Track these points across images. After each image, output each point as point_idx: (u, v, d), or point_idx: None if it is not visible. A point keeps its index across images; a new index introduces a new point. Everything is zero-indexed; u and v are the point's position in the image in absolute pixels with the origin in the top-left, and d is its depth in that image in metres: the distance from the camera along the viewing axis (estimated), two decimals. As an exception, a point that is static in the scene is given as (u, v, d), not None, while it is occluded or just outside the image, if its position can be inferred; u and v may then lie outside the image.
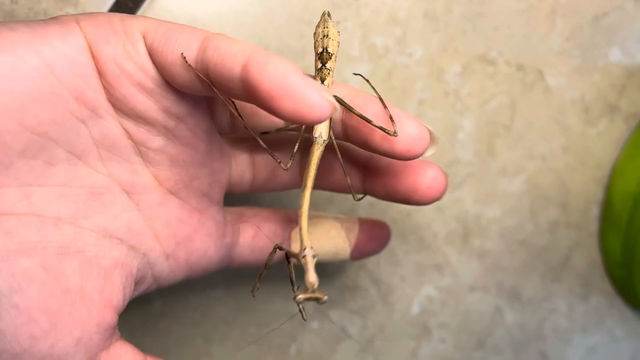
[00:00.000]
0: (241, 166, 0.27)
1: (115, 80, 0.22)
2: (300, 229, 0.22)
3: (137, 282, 0.24)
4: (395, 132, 0.23)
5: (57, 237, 0.22)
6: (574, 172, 0.34)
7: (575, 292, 0.35)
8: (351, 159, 0.27)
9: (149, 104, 0.22)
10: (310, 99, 0.19)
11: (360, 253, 0.28)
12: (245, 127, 0.23)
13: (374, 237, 0.28)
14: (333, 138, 0.24)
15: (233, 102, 0.23)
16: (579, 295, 0.35)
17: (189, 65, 0.21)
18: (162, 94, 0.22)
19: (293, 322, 0.33)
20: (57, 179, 0.22)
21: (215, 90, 0.21)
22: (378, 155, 0.26)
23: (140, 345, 0.33)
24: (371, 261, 0.33)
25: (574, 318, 0.35)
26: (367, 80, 0.25)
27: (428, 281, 0.34)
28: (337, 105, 0.20)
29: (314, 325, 0.33)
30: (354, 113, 0.23)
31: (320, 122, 0.19)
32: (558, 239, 0.34)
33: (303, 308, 0.21)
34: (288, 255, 0.23)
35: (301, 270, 0.21)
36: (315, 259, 0.21)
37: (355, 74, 0.24)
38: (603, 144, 0.34)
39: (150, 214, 0.24)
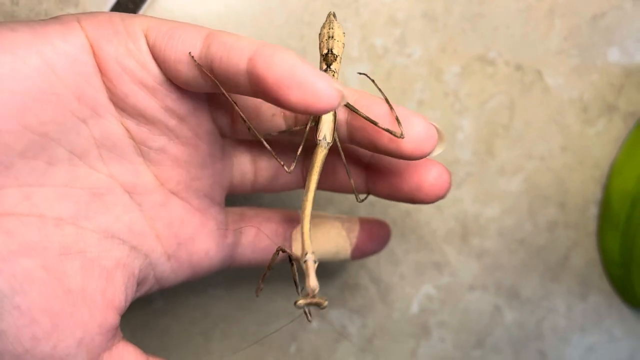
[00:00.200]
0: (243, 167, 0.27)
1: (116, 79, 0.22)
2: (303, 234, 0.22)
3: (139, 283, 0.24)
4: (402, 134, 0.23)
5: (59, 238, 0.22)
6: (572, 172, 0.34)
7: (574, 292, 0.35)
8: (354, 160, 0.27)
9: (151, 102, 0.22)
10: (318, 88, 0.19)
11: (360, 252, 0.28)
12: (249, 129, 0.23)
13: (374, 237, 0.28)
14: (337, 139, 0.24)
15: (236, 104, 0.23)
16: (577, 295, 0.35)
17: (197, 62, 0.21)
18: (164, 93, 0.22)
19: (293, 321, 0.33)
20: (58, 179, 0.22)
21: (222, 89, 0.21)
22: (381, 155, 0.26)
23: (141, 343, 0.33)
24: (371, 260, 0.34)
25: (573, 317, 0.35)
26: (373, 81, 0.25)
27: (427, 280, 0.34)
28: (346, 92, 0.20)
29: (314, 324, 0.34)
30: (360, 115, 0.23)
31: (329, 111, 0.19)
32: (557, 239, 0.34)
33: (308, 311, 0.21)
34: (291, 258, 0.23)
35: (304, 271, 0.21)
36: (316, 264, 0.21)
37: (360, 74, 0.25)
38: (601, 143, 0.34)
39: (152, 215, 0.24)
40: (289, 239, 0.28)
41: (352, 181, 0.25)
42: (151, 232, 0.24)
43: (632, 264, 0.33)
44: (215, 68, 0.21)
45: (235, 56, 0.20)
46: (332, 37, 0.24)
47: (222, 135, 0.25)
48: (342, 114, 0.24)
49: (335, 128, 0.24)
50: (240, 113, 0.22)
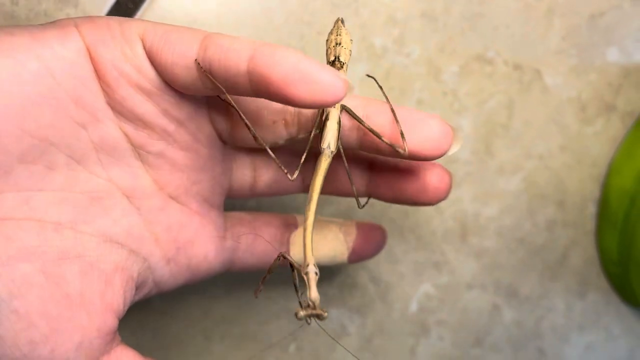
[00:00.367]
0: (242, 171, 0.27)
1: (114, 83, 0.22)
2: (305, 245, 0.22)
3: (138, 287, 0.24)
4: (405, 150, 0.23)
5: (57, 242, 0.22)
6: (571, 171, 0.34)
7: (573, 290, 0.35)
8: (355, 164, 0.27)
9: (148, 106, 0.22)
10: (324, 81, 0.19)
11: (357, 256, 0.28)
12: (255, 139, 0.22)
13: (370, 241, 0.29)
14: (340, 146, 0.24)
15: (238, 111, 0.23)
16: (576, 293, 0.35)
17: (199, 65, 0.21)
18: (162, 97, 0.22)
19: (292, 320, 0.34)
20: (57, 183, 0.22)
21: (226, 94, 0.21)
22: (383, 158, 0.26)
23: (140, 343, 0.33)
24: (370, 260, 0.34)
25: (571, 316, 0.35)
26: (380, 87, 0.25)
27: (426, 279, 0.34)
28: (352, 83, 0.20)
29: (314, 323, 0.34)
30: (365, 127, 0.23)
31: (336, 102, 0.19)
32: (555, 237, 0.34)
33: (309, 319, 0.21)
34: (291, 264, 0.23)
35: (305, 282, 0.21)
36: (318, 276, 0.21)
37: (368, 76, 0.24)
38: (600, 142, 0.34)
39: (151, 219, 0.24)
40: (286, 243, 0.28)
41: (354, 188, 0.25)
42: (150, 236, 0.24)
43: (630, 262, 0.33)
44: (214, 71, 0.21)
45: (234, 57, 0.20)
46: (340, 43, 0.24)
47: (222, 140, 0.25)
48: (350, 121, 0.24)
49: (345, 134, 0.24)
50: (245, 120, 0.22)
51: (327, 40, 0.25)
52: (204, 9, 0.31)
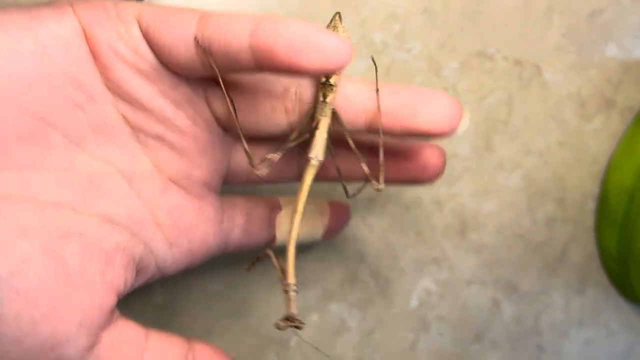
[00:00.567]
0: (240, 157, 0.27)
1: (109, 63, 0.22)
2: (288, 261, 0.22)
3: (140, 271, 0.24)
4: (380, 185, 0.24)
5: (57, 221, 0.21)
6: (570, 167, 0.34)
7: (572, 286, 0.35)
8: (357, 147, 0.27)
9: (145, 88, 0.22)
10: (331, 45, 0.19)
11: (329, 233, 0.30)
12: (236, 120, 0.22)
13: (340, 218, 0.30)
14: (342, 122, 0.24)
15: (230, 98, 0.23)
16: (575, 289, 0.35)
17: (198, 43, 0.21)
18: (159, 78, 0.22)
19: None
20: (55, 164, 0.22)
21: (219, 76, 0.21)
22: (386, 141, 0.27)
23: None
24: (370, 255, 0.34)
25: (571, 312, 0.35)
26: (377, 91, 0.24)
27: (426, 275, 0.34)
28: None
29: (314, 317, 0.34)
30: (349, 140, 0.24)
31: (343, 67, 0.20)
32: (555, 234, 0.34)
33: (294, 326, 0.22)
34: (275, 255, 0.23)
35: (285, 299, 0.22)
36: (297, 294, 0.22)
37: (373, 61, 0.24)
38: (599, 139, 0.34)
39: (152, 202, 0.24)
40: (272, 225, 0.28)
41: (365, 168, 0.25)
42: (151, 220, 0.24)
43: (629, 258, 0.33)
44: (215, 49, 0.21)
45: (235, 33, 0.20)
46: None
47: (221, 125, 0.25)
48: (358, 104, 0.24)
49: (352, 120, 0.24)
50: (231, 103, 0.22)
51: None
52: (203, 7, 0.31)
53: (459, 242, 0.34)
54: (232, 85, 0.24)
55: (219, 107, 0.24)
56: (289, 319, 0.22)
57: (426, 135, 0.23)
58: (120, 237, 0.23)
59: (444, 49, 0.33)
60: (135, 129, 0.23)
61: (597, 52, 0.33)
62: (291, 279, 0.22)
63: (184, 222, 0.25)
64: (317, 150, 0.23)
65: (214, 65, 0.21)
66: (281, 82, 0.24)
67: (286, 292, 0.22)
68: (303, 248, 0.33)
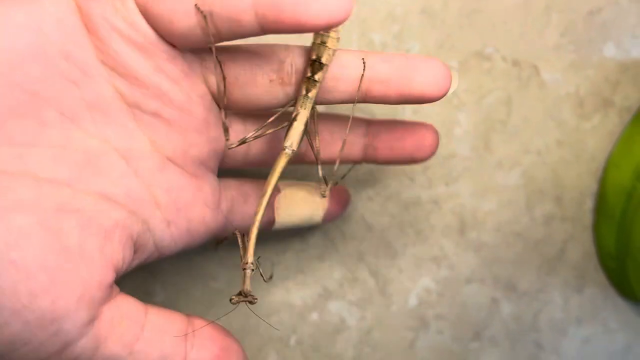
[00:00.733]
0: (236, 137, 0.27)
1: (105, 37, 0.22)
2: (249, 239, 0.24)
3: (138, 249, 0.24)
4: (325, 193, 0.26)
5: (54, 197, 0.21)
6: (568, 166, 0.34)
7: (570, 284, 0.35)
8: (352, 129, 0.28)
9: (142, 61, 0.22)
10: None
11: (330, 216, 0.30)
12: (224, 91, 0.23)
13: (341, 201, 0.30)
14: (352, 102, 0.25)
15: (221, 68, 0.24)
16: (573, 287, 0.35)
17: (199, 9, 0.21)
18: (155, 52, 0.22)
19: (293, 314, 0.34)
20: (50, 140, 0.22)
21: (213, 45, 0.22)
22: (380, 121, 0.28)
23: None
24: (370, 254, 0.34)
25: (569, 309, 0.35)
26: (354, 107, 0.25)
27: (425, 273, 0.34)
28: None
29: (314, 316, 0.34)
30: (309, 140, 0.25)
31: (347, 17, 0.20)
32: (553, 232, 0.35)
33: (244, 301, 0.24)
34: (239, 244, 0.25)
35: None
36: (253, 272, 0.24)
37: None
38: (597, 138, 0.34)
39: (149, 181, 0.24)
40: (271, 206, 0.29)
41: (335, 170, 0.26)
42: (149, 198, 0.24)
43: (627, 257, 0.33)
44: (216, 14, 0.21)
45: None
46: (324, 42, 0.24)
47: (217, 104, 0.25)
48: (352, 73, 0.24)
49: (346, 90, 0.25)
50: (222, 75, 0.23)
51: (313, 37, 0.24)
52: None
53: (458, 241, 0.34)
54: (229, 59, 0.24)
55: (215, 82, 0.24)
56: (242, 293, 0.23)
57: (420, 100, 0.24)
58: (118, 214, 0.23)
59: (442, 49, 0.33)
60: (132, 106, 0.23)
61: (595, 52, 0.33)
62: (250, 257, 0.24)
63: (181, 201, 0.25)
64: (292, 140, 0.24)
65: (209, 30, 0.21)
66: (277, 54, 0.25)
67: (244, 269, 0.24)
68: (303, 239, 0.34)
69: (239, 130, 0.27)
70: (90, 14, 0.21)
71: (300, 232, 0.33)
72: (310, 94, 0.24)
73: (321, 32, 0.24)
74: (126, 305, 0.23)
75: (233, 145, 0.24)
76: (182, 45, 0.23)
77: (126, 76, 0.22)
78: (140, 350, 0.23)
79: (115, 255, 0.22)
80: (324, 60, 0.24)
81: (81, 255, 0.21)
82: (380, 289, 0.34)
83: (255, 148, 0.27)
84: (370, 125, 0.28)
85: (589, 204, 0.35)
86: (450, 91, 0.25)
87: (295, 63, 0.25)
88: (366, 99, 0.25)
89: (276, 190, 0.29)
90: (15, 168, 0.21)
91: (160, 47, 0.22)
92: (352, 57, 0.25)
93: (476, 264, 0.34)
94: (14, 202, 0.20)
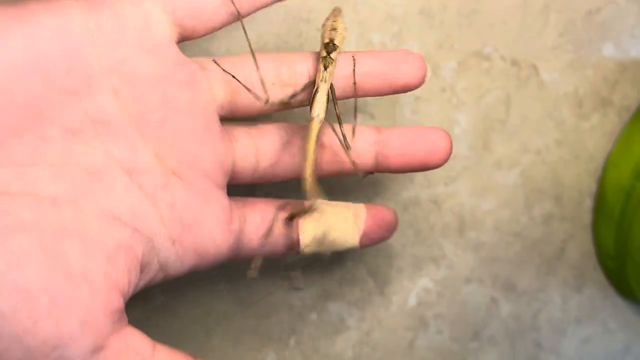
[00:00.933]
0: (244, 152, 0.26)
1: (115, 42, 0.22)
2: (307, 172, 0.25)
3: (143, 269, 0.23)
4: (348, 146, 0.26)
5: (55, 217, 0.21)
6: (567, 166, 0.34)
7: (569, 284, 0.35)
8: (361, 138, 0.27)
9: (150, 66, 0.22)
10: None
11: (369, 239, 0.28)
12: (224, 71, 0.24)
13: (381, 223, 0.28)
14: (336, 110, 0.26)
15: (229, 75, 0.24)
16: (573, 287, 0.35)
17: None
18: (163, 56, 0.22)
19: (292, 314, 0.34)
20: (52, 157, 0.21)
21: (241, 19, 0.23)
22: (391, 130, 0.27)
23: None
24: (369, 254, 0.34)
25: (568, 309, 0.35)
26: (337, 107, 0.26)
27: (424, 273, 0.34)
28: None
29: (313, 316, 0.34)
30: (336, 131, 0.26)
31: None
32: (552, 231, 0.35)
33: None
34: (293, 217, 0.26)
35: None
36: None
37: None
38: (596, 137, 0.34)
39: (154, 196, 0.23)
40: (295, 228, 0.27)
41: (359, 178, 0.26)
42: (154, 214, 0.23)
43: (626, 256, 0.33)
44: None
45: None
46: (335, 29, 0.26)
47: (221, 115, 0.25)
48: (341, 70, 0.26)
49: (330, 103, 0.26)
50: (230, 77, 0.23)
51: (323, 25, 0.26)
52: None
53: (457, 241, 0.34)
54: (233, 63, 0.25)
55: (220, 91, 0.24)
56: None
57: (403, 90, 0.26)
58: (122, 234, 0.22)
59: (441, 49, 0.33)
60: (136, 117, 0.23)
61: (594, 52, 0.33)
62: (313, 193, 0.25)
63: (187, 218, 0.24)
64: (318, 109, 0.26)
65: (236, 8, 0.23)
66: (278, 60, 0.26)
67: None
68: (335, 254, 0.33)
69: (247, 144, 0.26)
70: (102, 18, 0.21)
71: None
72: (328, 70, 0.26)
73: (331, 19, 0.26)
74: (134, 340, 0.22)
75: (271, 106, 0.26)
76: (205, 28, 0.23)
77: (132, 83, 0.22)
78: None
79: (120, 278, 0.22)
80: (337, 42, 0.26)
81: (84, 279, 0.21)
82: (379, 289, 0.34)
83: (265, 162, 0.27)
84: (380, 133, 0.27)
85: (588, 203, 0.35)
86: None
87: (295, 67, 0.26)
88: (359, 94, 0.26)
89: (301, 211, 0.27)
90: (16, 188, 0.21)
91: (169, 52, 0.22)
92: (343, 57, 0.26)
93: (475, 264, 0.34)
94: (15, 223, 0.20)
